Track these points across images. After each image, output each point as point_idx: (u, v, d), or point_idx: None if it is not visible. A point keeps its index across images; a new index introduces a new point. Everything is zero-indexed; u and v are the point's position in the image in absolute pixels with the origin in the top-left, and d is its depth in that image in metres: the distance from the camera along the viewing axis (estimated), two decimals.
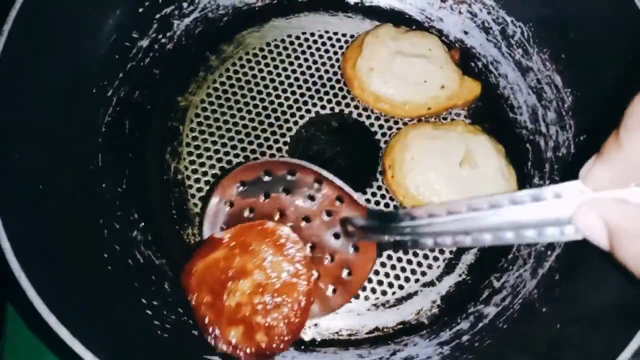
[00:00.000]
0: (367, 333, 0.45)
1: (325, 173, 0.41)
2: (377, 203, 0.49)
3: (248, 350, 0.37)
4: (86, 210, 0.43)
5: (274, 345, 0.38)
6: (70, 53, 0.45)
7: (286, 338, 0.38)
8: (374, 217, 0.39)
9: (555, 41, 0.51)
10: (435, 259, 0.48)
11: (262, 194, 0.41)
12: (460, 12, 0.56)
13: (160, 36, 0.53)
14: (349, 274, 0.41)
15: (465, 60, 0.56)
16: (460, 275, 0.47)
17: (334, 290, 0.41)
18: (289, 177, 0.41)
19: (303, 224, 0.41)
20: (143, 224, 0.46)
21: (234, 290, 0.38)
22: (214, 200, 0.41)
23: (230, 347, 0.37)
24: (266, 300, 0.38)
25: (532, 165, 0.51)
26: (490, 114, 0.54)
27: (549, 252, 0.46)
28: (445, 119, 0.53)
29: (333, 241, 0.41)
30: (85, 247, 0.41)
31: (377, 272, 0.47)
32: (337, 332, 0.45)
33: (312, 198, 0.41)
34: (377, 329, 0.45)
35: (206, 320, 0.38)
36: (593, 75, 0.48)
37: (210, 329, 0.38)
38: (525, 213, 0.28)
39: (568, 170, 0.48)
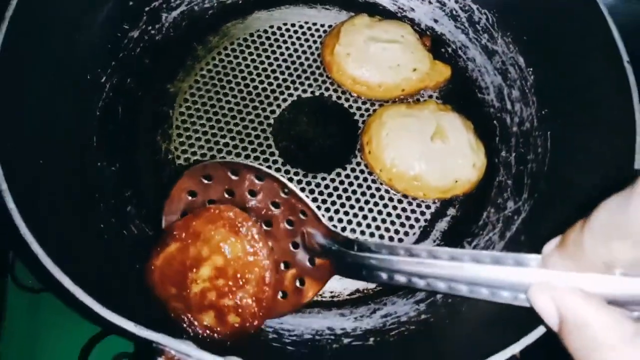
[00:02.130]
0: (348, 295, 0.48)
1: (292, 186, 0.38)
2: (356, 177, 0.53)
3: (226, 332, 0.38)
4: (83, 186, 0.46)
5: (248, 324, 0.38)
6: (66, 43, 0.49)
7: (260, 314, 0.38)
8: (334, 239, 0.37)
9: (517, 25, 0.55)
10: (411, 226, 0.51)
11: (225, 191, 0.39)
12: (430, 2, 0.61)
13: (150, 28, 0.56)
14: (301, 284, 0.40)
15: (436, 46, 0.60)
16: (434, 241, 0.51)
17: (284, 296, 0.40)
18: (256, 181, 0.38)
19: (263, 227, 0.39)
20: (136, 200, 0.49)
21: (196, 279, 0.38)
22: (176, 188, 0.40)
23: (208, 331, 0.38)
24: (229, 282, 0.38)
25: (499, 140, 0.55)
26: (460, 95, 0.58)
27: (515, 217, 0.50)
28: (418, 100, 0.57)
29: (291, 249, 0.39)
30: (83, 216, 0.44)
31: None
32: (320, 295, 0.48)
33: (275, 205, 0.39)
34: (358, 290, 0.48)
35: (178, 312, 0.38)
36: (551, 53, 0.52)
37: (185, 319, 0.38)
38: (484, 272, 0.28)
39: (530, 146, 0.52)
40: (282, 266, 0.40)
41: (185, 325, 0.38)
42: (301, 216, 0.38)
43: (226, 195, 0.40)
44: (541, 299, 0.25)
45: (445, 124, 0.52)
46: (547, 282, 0.25)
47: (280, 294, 0.40)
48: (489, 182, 0.53)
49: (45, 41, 0.46)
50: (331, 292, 0.48)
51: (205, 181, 0.39)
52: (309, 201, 0.38)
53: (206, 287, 0.38)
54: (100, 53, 0.52)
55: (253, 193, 0.39)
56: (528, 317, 0.39)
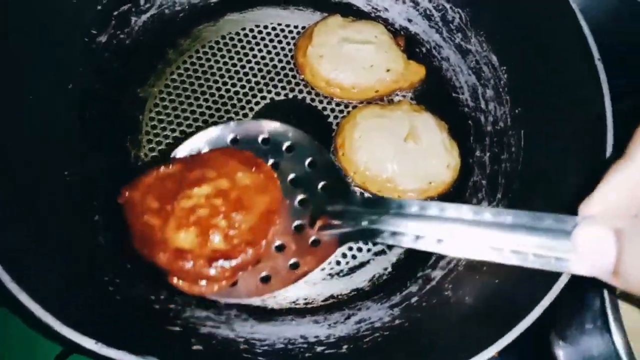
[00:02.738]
0: (322, 301, 0.47)
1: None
2: None
3: (198, 257, 0.34)
4: (50, 194, 0.45)
5: (231, 256, 0.35)
6: (29, 47, 0.48)
7: (249, 252, 0.35)
8: (357, 200, 0.40)
9: (490, 23, 0.55)
10: None
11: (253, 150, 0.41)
12: (403, 2, 0.60)
13: (119, 32, 0.55)
14: (295, 266, 0.40)
15: (411, 46, 0.59)
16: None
17: (268, 278, 0.39)
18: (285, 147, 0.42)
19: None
20: (104, 208, 0.48)
21: (190, 195, 0.36)
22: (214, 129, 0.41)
23: (173, 258, 0.34)
24: (228, 203, 0.35)
25: (474, 139, 0.55)
26: (434, 95, 0.57)
27: None
28: (392, 101, 0.57)
29: (293, 232, 0.40)
30: (46, 228, 0.43)
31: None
32: (294, 302, 0.47)
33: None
34: (332, 296, 0.48)
35: (148, 226, 0.35)
36: (524, 52, 0.52)
37: (154, 236, 0.35)
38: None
39: (504, 145, 0.52)
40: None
41: (146, 249, 0.35)
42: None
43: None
44: (592, 233, 0.25)
45: (418, 125, 0.52)
46: (599, 213, 0.25)
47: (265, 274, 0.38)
48: (463, 183, 0.52)
49: (4, 49, 0.45)
50: (305, 299, 0.47)
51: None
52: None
53: (199, 204, 0.36)
54: (67, 59, 0.51)
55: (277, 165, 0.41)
56: (504, 320, 0.39)
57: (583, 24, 0.45)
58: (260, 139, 0.43)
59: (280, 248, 0.40)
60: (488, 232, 0.33)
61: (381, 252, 0.50)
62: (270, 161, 0.42)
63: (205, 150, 0.41)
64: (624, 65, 0.50)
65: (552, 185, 0.45)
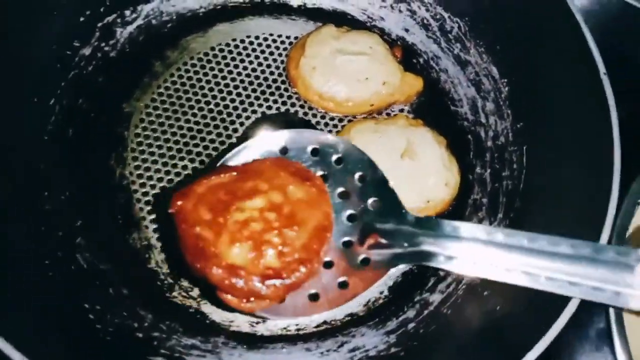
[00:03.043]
0: (315, 327, 0.45)
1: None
2: None
3: (251, 274, 0.33)
4: (28, 220, 0.43)
5: (284, 274, 0.33)
6: (8, 63, 0.45)
7: (302, 270, 0.33)
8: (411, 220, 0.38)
9: (490, 34, 0.53)
10: None
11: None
12: (400, 11, 0.58)
13: (103, 44, 0.53)
14: (344, 285, 0.37)
15: (408, 57, 0.57)
16: (406, 266, 0.48)
17: (317, 296, 0.37)
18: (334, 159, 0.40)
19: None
20: (87, 230, 0.46)
21: (243, 207, 0.35)
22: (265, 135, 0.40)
23: (227, 275, 0.33)
24: (281, 219, 0.34)
25: (474, 155, 0.52)
26: (432, 108, 0.55)
27: None
28: (388, 114, 0.54)
29: (342, 249, 0.38)
30: (26, 254, 0.41)
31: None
32: (285, 328, 0.45)
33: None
34: (325, 322, 0.45)
35: (202, 239, 0.34)
36: (526, 64, 0.49)
37: (207, 250, 0.33)
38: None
39: (505, 162, 0.50)
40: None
41: (200, 262, 0.33)
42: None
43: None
44: None
45: (415, 140, 0.49)
46: None
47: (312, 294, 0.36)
48: (463, 201, 0.50)
49: None
50: (297, 325, 0.45)
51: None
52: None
53: (252, 218, 0.35)
54: (48, 73, 0.49)
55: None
56: (506, 353, 0.36)
57: (588, 36, 0.43)
58: (309, 149, 0.41)
59: (329, 265, 0.37)
60: (545, 262, 0.33)
61: None
62: (319, 173, 0.40)
63: (255, 158, 0.39)
64: (624, 65, 0.49)
65: (556, 205, 0.43)
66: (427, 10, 0.56)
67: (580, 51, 0.43)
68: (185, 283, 0.46)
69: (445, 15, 0.55)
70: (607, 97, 0.42)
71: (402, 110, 0.55)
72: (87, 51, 0.52)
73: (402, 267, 0.48)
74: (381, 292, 0.47)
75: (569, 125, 0.44)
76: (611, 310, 0.37)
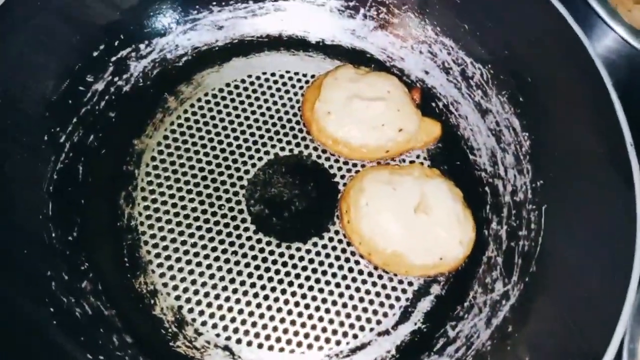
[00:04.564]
0: None
1: None
2: (334, 248, 0.49)
3: None
4: (34, 263, 0.43)
5: None
6: (20, 101, 0.45)
7: None
8: None
9: (513, 83, 0.51)
10: (391, 306, 0.47)
11: None
12: (421, 52, 0.56)
13: (117, 79, 0.52)
14: None
15: (426, 100, 0.55)
16: (415, 324, 0.47)
17: None
18: None
19: None
20: (93, 273, 0.45)
21: None
22: None
23: None
24: None
25: (490, 208, 0.51)
26: (450, 155, 0.54)
27: (503, 302, 0.45)
28: (404, 160, 0.53)
29: None
30: (30, 302, 0.41)
31: (331, 321, 0.46)
32: None
33: None
34: None
35: None
36: (548, 121, 0.48)
37: None
38: None
39: (523, 220, 0.48)
40: None
41: None
42: None
43: None
44: None
45: (430, 193, 0.48)
46: None
47: None
48: (477, 257, 0.49)
49: None
50: None
51: None
52: None
53: None
54: (60, 110, 0.48)
55: None
56: None
57: (616, 104, 0.41)
58: None
59: None
60: None
61: (385, 333, 0.46)
62: None
63: None
64: None
65: (572, 278, 0.41)
66: (449, 53, 0.55)
67: (608, 118, 0.41)
68: (189, 332, 0.45)
69: (468, 60, 0.54)
70: (632, 168, 0.40)
71: (418, 157, 0.53)
72: (100, 86, 0.51)
73: (409, 327, 0.46)
74: (388, 351, 0.46)
75: (590, 193, 0.43)
76: None
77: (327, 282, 0.47)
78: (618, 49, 0.51)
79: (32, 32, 0.45)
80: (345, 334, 0.46)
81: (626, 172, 0.40)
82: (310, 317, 0.46)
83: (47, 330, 0.40)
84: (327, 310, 0.46)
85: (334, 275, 0.48)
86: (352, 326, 0.46)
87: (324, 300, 0.47)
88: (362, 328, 0.46)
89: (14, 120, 0.45)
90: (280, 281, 0.47)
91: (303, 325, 0.46)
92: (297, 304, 0.46)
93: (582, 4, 0.50)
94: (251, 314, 0.46)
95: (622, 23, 0.50)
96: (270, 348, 0.45)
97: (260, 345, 0.45)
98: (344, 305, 0.47)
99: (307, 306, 0.46)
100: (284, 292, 0.47)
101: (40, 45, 0.46)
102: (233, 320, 0.45)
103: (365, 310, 0.47)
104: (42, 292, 0.42)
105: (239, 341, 0.45)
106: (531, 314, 0.43)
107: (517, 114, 0.51)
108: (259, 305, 0.46)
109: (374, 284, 0.48)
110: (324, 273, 0.48)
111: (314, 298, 0.47)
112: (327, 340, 0.46)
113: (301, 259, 0.48)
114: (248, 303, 0.46)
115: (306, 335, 0.45)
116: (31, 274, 0.42)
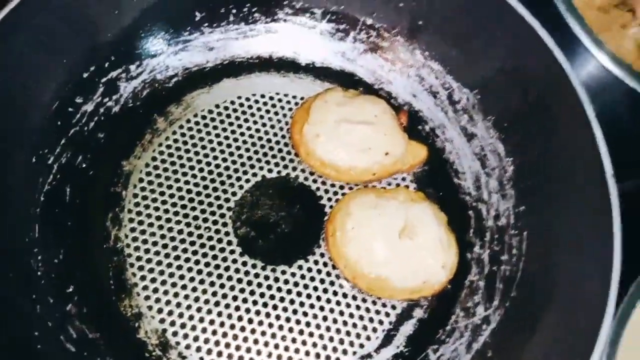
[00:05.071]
0: None
1: None
2: (319, 271, 0.49)
3: None
4: (18, 286, 0.43)
5: None
6: (7, 123, 0.45)
7: None
8: None
9: (498, 110, 0.52)
10: (374, 329, 0.48)
11: None
12: (409, 76, 0.57)
13: (106, 99, 0.53)
14: None
15: (413, 123, 0.56)
16: (397, 347, 0.47)
17: None
18: None
19: None
20: (79, 296, 0.46)
21: None
22: None
23: None
24: None
25: (473, 232, 0.51)
26: (435, 178, 0.54)
27: (484, 326, 0.46)
28: (390, 183, 0.54)
29: None
30: (12, 327, 0.41)
31: (314, 345, 0.46)
32: None
33: None
34: None
35: None
36: (532, 147, 0.48)
37: None
38: None
39: (505, 245, 0.49)
40: None
41: None
42: None
43: None
44: None
45: (415, 218, 0.49)
46: None
47: None
48: (459, 281, 0.49)
49: None
50: None
51: None
52: None
53: None
54: (49, 131, 0.48)
55: None
56: None
57: (598, 136, 0.42)
58: None
59: None
60: None
61: (367, 356, 0.47)
62: None
63: None
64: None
65: (551, 306, 0.42)
66: (437, 78, 0.55)
67: (590, 149, 0.42)
68: (173, 355, 0.45)
69: (455, 85, 0.54)
70: (611, 199, 0.40)
71: (404, 179, 0.54)
72: (89, 107, 0.51)
73: (392, 351, 0.47)
74: None
75: (570, 221, 0.44)
76: None
77: (311, 306, 0.48)
78: (600, 77, 0.51)
79: (24, 52, 0.46)
80: (328, 358, 0.46)
81: (606, 203, 0.41)
82: (293, 340, 0.46)
83: (29, 354, 0.41)
84: (311, 334, 0.47)
85: (318, 298, 0.48)
86: (335, 350, 0.47)
87: (308, 324, 0.47)
88: (344, 352, 0.47)
89: (3, 145, 0.45)
90: (265, 304, 0.47)
91: (286, 349, 0.46)
92: (280, 327, 0.47)
93: (567, 31, 0.51)
94: (235, 337, 0.46)
95: (606, 51, 0.50)
96: None
97: None
98: (328, 329, 0.47)
99: (290, 329, 0.47)
100: (268, 315, 0.47)
101: (28, 66, 0.47)
102: (217, 343, 0.46)
103: (348, 333, 0.47)
104: (25, 316, 0.42)
105: None
106: (511, 339, 0.43)
107: (501, 139, 0.51)
108: (242, 329, 0.46)
109: (358, 308, 0.48)
110: (309, 296, 0.48)
111: (297, 321, 0.47)
112: None
113: (286, 282, 0.49)
114: (232, 326, 0.46)
115: (289, 359, 0.46)
116: (15, 298, 0.42)
